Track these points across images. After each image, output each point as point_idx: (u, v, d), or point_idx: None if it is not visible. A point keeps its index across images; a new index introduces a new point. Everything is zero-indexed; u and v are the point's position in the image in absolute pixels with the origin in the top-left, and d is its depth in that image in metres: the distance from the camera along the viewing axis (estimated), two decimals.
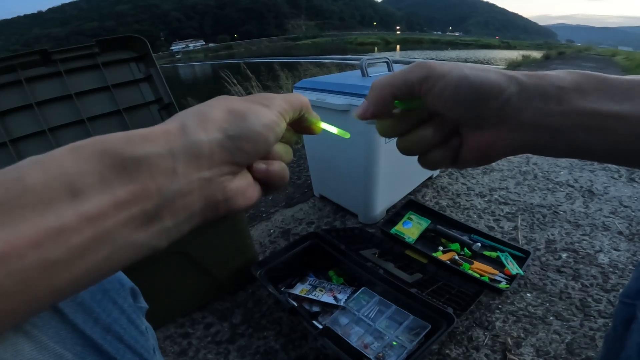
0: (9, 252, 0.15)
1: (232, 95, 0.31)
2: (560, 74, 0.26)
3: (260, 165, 0.27)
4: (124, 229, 0.19)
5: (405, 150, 0.31)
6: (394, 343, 0.72)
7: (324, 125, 0.33)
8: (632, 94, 0.25)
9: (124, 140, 0.20)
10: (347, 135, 0.34)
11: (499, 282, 0.92)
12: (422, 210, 1.21)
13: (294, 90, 1.17)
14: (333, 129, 0.34)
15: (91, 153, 0.19)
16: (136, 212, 0.19)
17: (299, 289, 0.88)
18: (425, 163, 0.32)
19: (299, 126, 0.32)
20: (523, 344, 0.78)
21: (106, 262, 0.19)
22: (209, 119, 0.24)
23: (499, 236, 1.09)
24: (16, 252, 0.16)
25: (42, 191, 0.17)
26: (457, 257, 1.00)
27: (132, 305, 0.38)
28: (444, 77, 0.26)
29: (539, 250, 1.07)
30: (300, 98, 0.30)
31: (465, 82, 0.26)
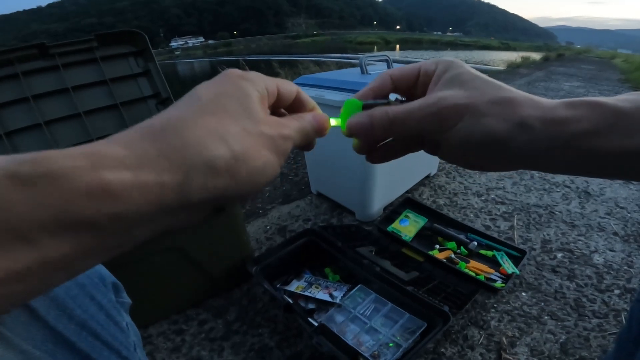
0: None
1: None
2: (579, 116, 0.24)
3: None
4: (84, 262, 0.18)
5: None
6: (390, 345, 0.72)
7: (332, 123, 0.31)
8: None
9: (99, 193, 0.16)
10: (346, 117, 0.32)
11: (495, 281, 0.92)
12: (419, 208, 1.22)
13: None
14: (332, 122, 0.31)
15: (44, 198, 0.15)
16: (97, 255, 0.18)
17: (295, 286, 0.88)
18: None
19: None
20: (518, 343, 0.79)
21: (63, 280, 0.18)
22: (215, 168, 0.20)
23: (495, 235, 1.09)
24: None
25: None
26: (453, 256, 1.01)
27: (111, 301, 0.37)
28: (451, 129, 0.26)
29: (534, 249, 1.08)
30: (321, 124, 0.28)
31: (469, 137, 0.26)
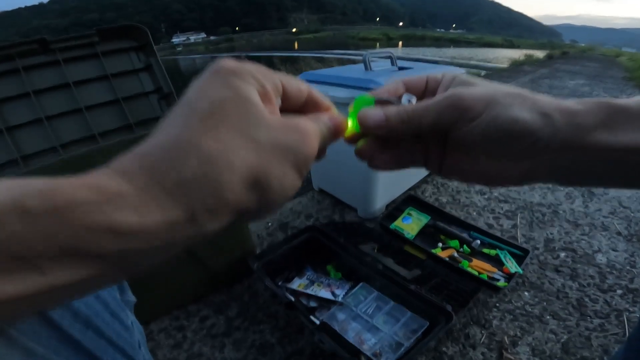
0: None
1: None
2: (589, 109, 0.25)
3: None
4: (97, 285, 0.18)
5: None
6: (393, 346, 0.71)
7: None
8: None
9: (106, 232, 0.16)
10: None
11: (497, 280, 0.92)
12: (422, 206, 1.21)
13: None
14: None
15: (50, 230, 0.15)
16: (110, 278, 0.18)
17: (297, 284, 0.87)
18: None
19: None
20: (519, 342, 0.78)
21: (75, 298, 0.19)
22: (224, 200, 0.19)
23: (498, 234, 1.09)
24: None
25: None
26: (456, 254, 1.00)
27: (116, 299, 0.37)
28: (474, 121, 0.25)
29: (537, 249, 1.07)
30: (339, 129, 0.27)
31: (494, 125, 0.24)
